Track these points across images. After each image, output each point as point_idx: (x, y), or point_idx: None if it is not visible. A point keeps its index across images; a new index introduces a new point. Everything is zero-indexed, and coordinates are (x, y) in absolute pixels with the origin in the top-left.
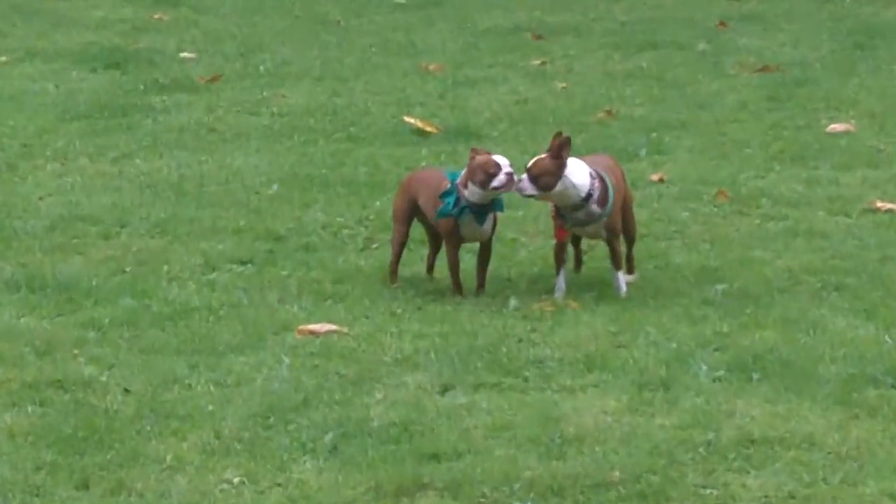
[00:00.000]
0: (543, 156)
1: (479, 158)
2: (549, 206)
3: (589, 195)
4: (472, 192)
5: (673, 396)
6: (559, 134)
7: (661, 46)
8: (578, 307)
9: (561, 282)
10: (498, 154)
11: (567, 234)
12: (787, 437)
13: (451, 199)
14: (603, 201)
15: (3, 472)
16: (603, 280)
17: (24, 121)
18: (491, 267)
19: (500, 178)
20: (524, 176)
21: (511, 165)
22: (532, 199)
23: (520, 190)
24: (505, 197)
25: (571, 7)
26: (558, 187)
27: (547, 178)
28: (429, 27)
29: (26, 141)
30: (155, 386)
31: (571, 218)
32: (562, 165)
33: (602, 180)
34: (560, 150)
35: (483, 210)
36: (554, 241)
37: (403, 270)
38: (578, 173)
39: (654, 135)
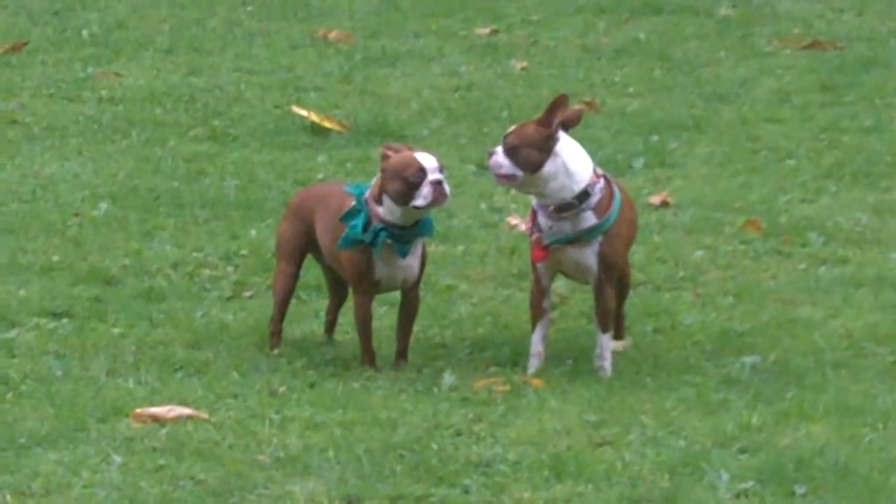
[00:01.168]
0: (527, 122)
1: (395, 159)
2: (523, 222)
3: (586, 193)
4: (388, 210)
5: None
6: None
7: (666, 10)
8: (543, 387)
9: (538, 343)
10: (423, 151)
11: (547, 256)
12: None
13: (358, 221)
14: (603, 210)
15: None
16: (579, 348)
17: None
18: (417, 327)
19: (425, 192)
20: (497, 148)
21: (441, 169)
22: (503, 189)
23: (491, 169)
24: (434, 210)
25: None
26: (547, 167)
27: (530, 151)
28: None
29: None
30: None
31: (554, 230)
32: (552, 137)
33: (609, 183)
34: (551, 116)
35: (406, 236)
36: (531, 293)
37: (290, 330)
38: (577, 157)
39: (656, 138)
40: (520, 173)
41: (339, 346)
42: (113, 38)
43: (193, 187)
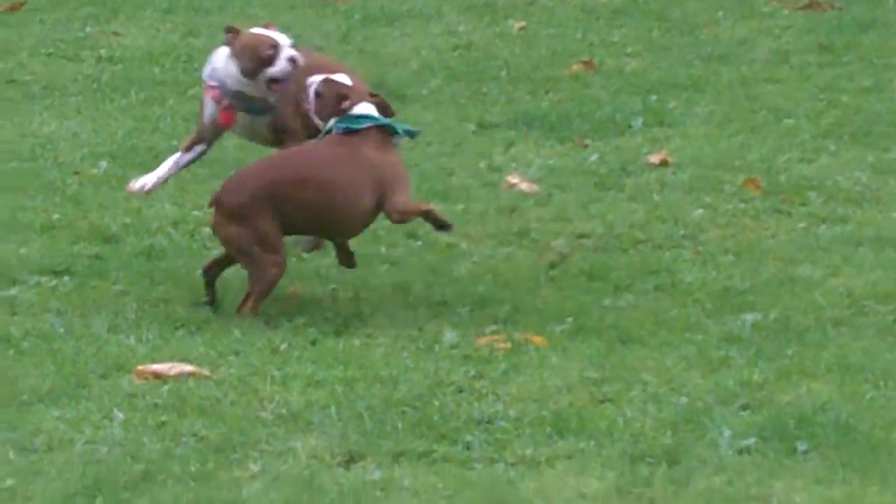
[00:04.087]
0: None
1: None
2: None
3: None
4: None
5: (682, 474)
6: None
7: None
8: (544, 344)
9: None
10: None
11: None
12: None
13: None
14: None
15: None
16: (579, 306)
17: None
18: (419, 285)
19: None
20: None
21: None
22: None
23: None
24: (434, 169)
25: None
26: None
27: None
28: None
29: None
30: None
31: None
32: None
33: None
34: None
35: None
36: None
37: (289, 288)
38: None
39: (654, 98)
40: None
41: (340, 304)
42: None
43: None
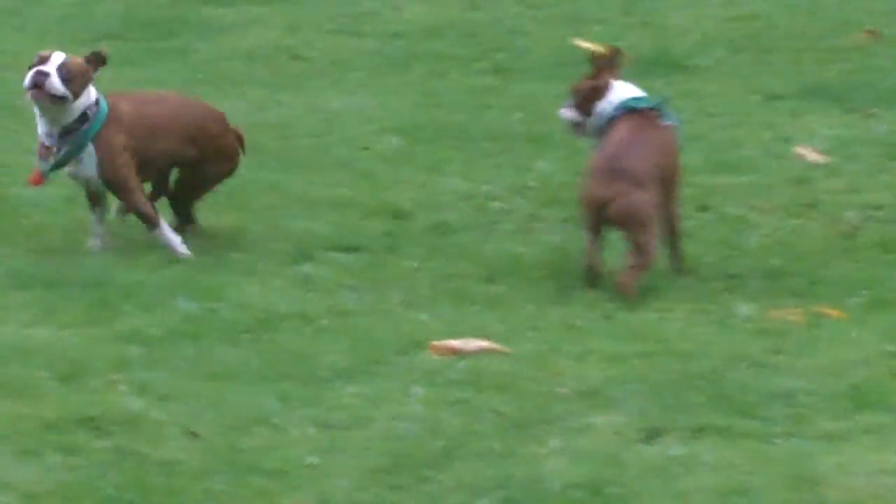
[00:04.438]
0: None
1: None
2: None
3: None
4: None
5: None
6: None
7: None
8: (841, 316)
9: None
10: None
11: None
12: None
13: None
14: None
15: None
16: (875, 279)
17: (24, 43)
18: (710, 258)
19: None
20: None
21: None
22: None
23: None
24: (722, 140)
25: None
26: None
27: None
28: None
29: None
30: (230, 427)
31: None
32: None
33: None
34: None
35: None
36: None
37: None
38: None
39: None
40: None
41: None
42: None
43: (478, 121)
